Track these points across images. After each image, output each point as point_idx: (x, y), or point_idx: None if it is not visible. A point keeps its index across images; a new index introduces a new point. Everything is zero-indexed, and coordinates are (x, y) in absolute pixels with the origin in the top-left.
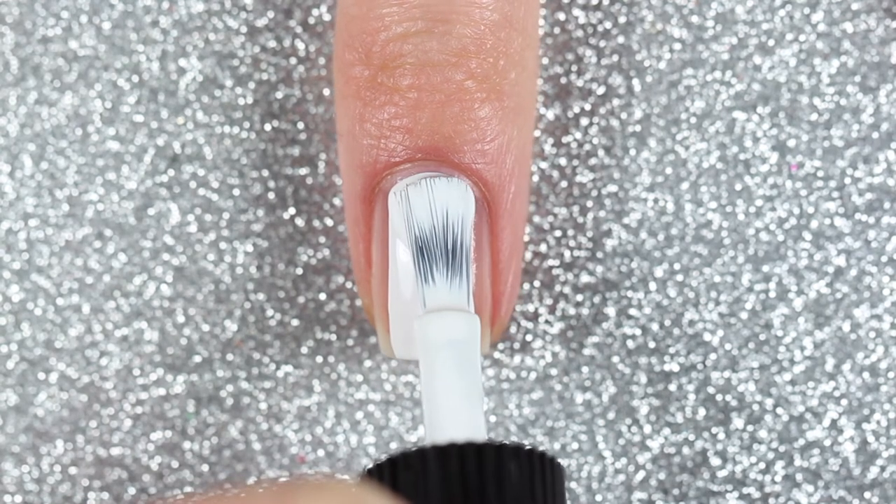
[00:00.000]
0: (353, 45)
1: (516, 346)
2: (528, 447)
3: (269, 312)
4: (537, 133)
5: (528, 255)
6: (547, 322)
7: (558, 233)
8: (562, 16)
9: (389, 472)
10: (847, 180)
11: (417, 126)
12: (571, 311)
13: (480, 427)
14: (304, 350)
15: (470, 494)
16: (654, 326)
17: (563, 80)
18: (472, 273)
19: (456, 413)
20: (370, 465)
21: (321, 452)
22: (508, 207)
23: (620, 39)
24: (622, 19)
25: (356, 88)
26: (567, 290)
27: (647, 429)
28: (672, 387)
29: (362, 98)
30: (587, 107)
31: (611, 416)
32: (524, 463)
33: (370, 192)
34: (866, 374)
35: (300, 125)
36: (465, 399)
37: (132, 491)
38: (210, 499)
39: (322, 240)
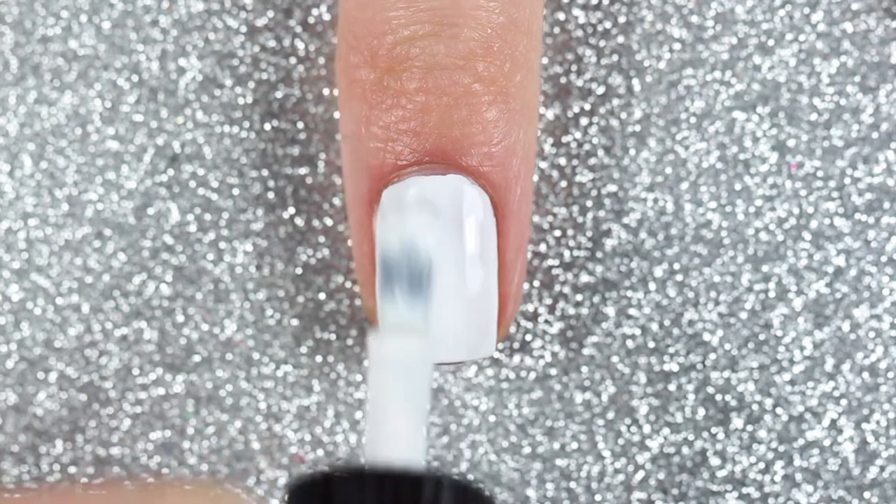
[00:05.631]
0: (358, 48)
1: (516, 345)
2: (466, 482)
3: (269, 312)
4: (537, 133)
5: (528, 255)
6: (546, 322)
7: (558, 232)
8: (561, 15)
9: (322, 486)
10: (847, 180)
11: (425, 129)
12: (571, 310)
13: (419, 454)
14: (303, 349)
15: None
16: (654, 326)
17: (563, 80)
18: (432, 297)
19: (397, 437)
20: (306, 476)
21: (320, 452)
22: (514, 208)
23: (620, 39)
24: (622, 19)
25: (362, 91)
26: (566, 289)
27: (647, 429)
28: (671, 387)
29: (369, 101)
30: (587, 106)
31: (610, 415)
32: (458, 496)
33: (376, 195)
34: (866, 374)
35: (300, 125)
36: (408, 422)
37: None
38: (76, 494)
39: (321, 239)
